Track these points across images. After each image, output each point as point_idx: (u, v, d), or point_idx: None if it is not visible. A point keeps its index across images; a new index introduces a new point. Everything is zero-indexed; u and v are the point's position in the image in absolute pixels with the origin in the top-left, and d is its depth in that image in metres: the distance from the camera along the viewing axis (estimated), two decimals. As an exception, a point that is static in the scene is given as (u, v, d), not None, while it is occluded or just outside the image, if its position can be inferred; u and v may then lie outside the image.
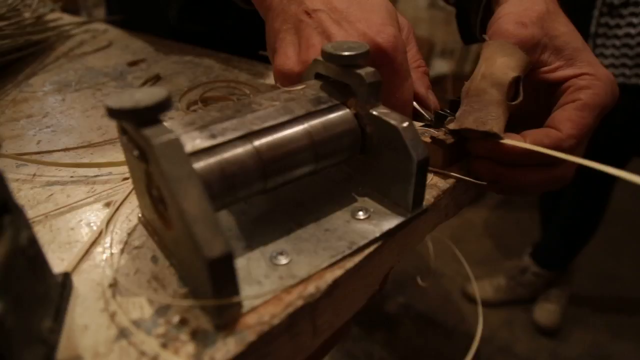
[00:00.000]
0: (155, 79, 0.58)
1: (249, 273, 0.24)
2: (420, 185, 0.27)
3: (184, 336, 0.22)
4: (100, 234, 0.29)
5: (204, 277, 0.20)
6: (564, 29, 0.34)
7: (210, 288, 0.21)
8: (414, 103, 0.37)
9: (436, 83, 2.12)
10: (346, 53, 0.27)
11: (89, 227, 0.30)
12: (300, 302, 0.23)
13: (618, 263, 1.79)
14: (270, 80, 0.56)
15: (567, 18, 0.35)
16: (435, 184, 0.32)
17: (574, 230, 1.38)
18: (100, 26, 0.91)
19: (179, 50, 0.72)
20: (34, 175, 0.38)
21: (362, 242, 0.26)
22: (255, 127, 0.25)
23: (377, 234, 0.26)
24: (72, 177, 0.37)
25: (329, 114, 0.27)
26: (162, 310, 0.23)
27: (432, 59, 2.96)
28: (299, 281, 0.24)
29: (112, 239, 0.29)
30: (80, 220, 0.31)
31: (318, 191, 0.31)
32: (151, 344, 0.21)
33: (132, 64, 0.66)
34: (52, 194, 0.35)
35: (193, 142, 0.24)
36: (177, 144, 0.21)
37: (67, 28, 0.86)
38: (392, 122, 0.27)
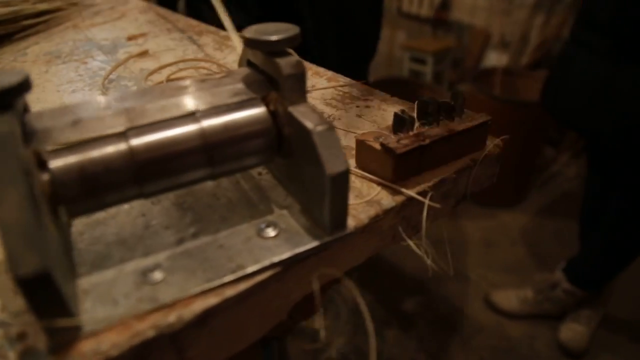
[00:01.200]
0: (142, 55, 0.55)
1: (111, 289, 0.21)
2: (339, 204, 0.23)
3: (12, 354, 0.19)
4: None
5: (23, 296, 0.17)
6: None
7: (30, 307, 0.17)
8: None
9: (484, 76, 1.99)
10: (267, 38, 0.23)
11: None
12: (151, 333, 0.19)
13: (664, 288, 1.62)
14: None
15: None
16: (379, 201, 0.27)
17: (615, 250, 1.25)
18: (123, -4, 0.90)
19: (184, 25, 0.69)
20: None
21: (250, 268, 0.22)
22: (139, 122, 0.22)
23: (274, 260, 0.22)
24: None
25: (237, 111, 0.23)
26: (6, 320, 0.20)
27: (486, 50, 2.80)
28: (157, 307, 0.20)
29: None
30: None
31: (236, 196, 0.27)
32: (-28, 363, 0.19)
33: (132, 38, 0.64)
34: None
35: (59, 136, 0.21)
36: (5, 139, 0.18)
37: (88, -3, 0.85)
38: (306, 124, 0.22)
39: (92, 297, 0.21)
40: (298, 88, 0.23)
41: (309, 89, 0.44)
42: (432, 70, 2.86)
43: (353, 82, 0.45)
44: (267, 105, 0.24)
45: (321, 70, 0.48)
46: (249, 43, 0.23)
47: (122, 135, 0.21)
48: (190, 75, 0.47)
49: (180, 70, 0.48)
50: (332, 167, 0.21)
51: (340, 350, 1.50)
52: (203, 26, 0.69)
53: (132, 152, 0.21)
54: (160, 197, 0.27)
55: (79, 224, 0.25)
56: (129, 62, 0.53)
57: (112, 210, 0.26)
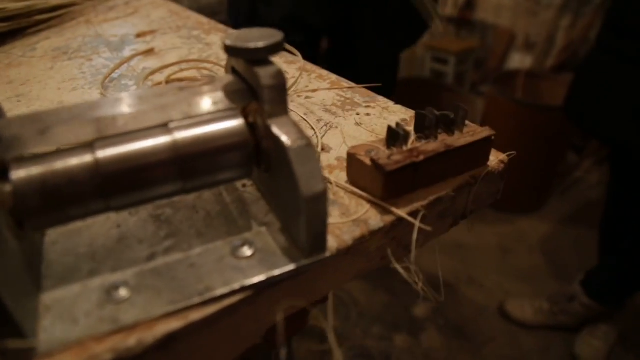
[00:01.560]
0: (147, 53, 0.55)
1: (74, 306, 0.20)
2: (317, 226, 0.21)
3: (-37, 377, 0.18)
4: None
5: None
6: None
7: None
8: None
9: (507, 78, 1.94)
10: (246, 45, 0.22)
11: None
12: (108, 357, 0.18)
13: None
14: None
15: None
16: (366, 220, 0.26)
17: (638, 265, 1.20)
18: (139, -8, 0.90)
19: (194, 23, 0.69)
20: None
21: (220, 291, 0.20)
22: (109, 133, 0.21)
23: (246, 283, 0.21)
24: None
25: (213, 122, 0.22)
26: (-37, 337, 0.20)
27: (510, 52, 2.73)
28: (118, 329, 0.19)
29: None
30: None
31: (216, 209, 0.26)
32: None
33: (141, 35, 0.64)
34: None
35: (25, 145, 0.20)
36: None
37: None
38: (283, 138, 0.21)
39: (53, 314, 0.20)
40: (278, 99, 0.22)
41: (310, 93, 0.43)
42: (454, 70, 2.81)
43: (355, 86, 0.43)
44: (246, 116, 0.23)
45: (324, 73, 0.46)
46: (229, 50, 0.22)
47: (89, 147, 0.20)
48: (191, 76, 0.46)
49: (182, 70, 0.47)
50: (307, 187, 0.20)
51: (348, 352, 1.49)
52: (212, 24, 0.68)
53: (98, 165, 0.20)
54: (139, 208, 0.26)
55: (53, 233, 0.24)
56: (134, 60, 0.53)
57: (89, 220, 0.25)
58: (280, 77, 0.21)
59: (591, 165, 2.09)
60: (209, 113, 0.22)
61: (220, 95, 0.23)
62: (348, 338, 1.51)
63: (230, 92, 0.23)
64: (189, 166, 0.21)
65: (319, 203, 0.20)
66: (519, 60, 2.60)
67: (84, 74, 0.49)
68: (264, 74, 0.21)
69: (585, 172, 2.11)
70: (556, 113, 1.59)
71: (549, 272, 1.73)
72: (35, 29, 0.68)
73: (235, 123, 0.22)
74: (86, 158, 0.20)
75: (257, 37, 0.22)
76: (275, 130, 0.21)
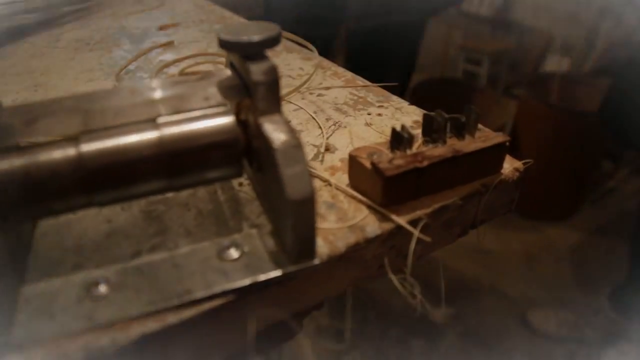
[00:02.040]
0: (166, 46, 0.55)
1: (53, 300, 0.20)
2: (305, 232, 0.20)
3: (-63, 367, 0.18)
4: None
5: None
6: None
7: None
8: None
9: (541, 82, 1.86)
10: (239, 39, 0.21)
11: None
12: (79, 355, 0.18)
13: None
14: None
15: None
16: (363, 227, 0.24)
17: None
18: (165, -15, 0.91)
19: (217, 17, 0.69)
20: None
21: (199, 294, 0.20)
22: (95, 126, 0.20)
23: (226, 287, 0.20)
24: None
25: (201, 119, 0.21)
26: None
27: (547, 54, 2.64)
28: (91, 327, 0.18)
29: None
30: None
31: (208, 208, 0.25)
32: None
33: (163, 27, 0.64)
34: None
35: (10, 136, 0.20)
36: None
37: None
38: (271, 138, 0.20)
39: (31, 307, 0.20)
40: (270, 97, 0.21)
41: (323, 90, 0.42)
42: (487, 72, 2.73)
43: (370, 84, 0.42)
44: (238, 113, 0.22)
45: (340, 70, 0.45)
46: (222, 44, 0.21)
47: (74, 140, 0.20)
48: (206, 70, 0.46)
49: (198, 64, 0.47)
50: (293, 190, 0.19)
51: (364, 354, 1.47)
52: (235, 18, 0.67)
53: (82, 158, 0.19)
54: (132, 203, 0.25)
55: (44, 225, 0.24)
56: (153, 53, 0.53)
57: (80, 214, 0.25)
58: (273, 73, 0.20)
59: (627, 174, 1.99)
60: (200, 109, 0.21)
61: (214, 90, 0.22)
62: (365, 339, 1.50)
63: (225, 88, 0.23)
64: (175, 163, 0.20)
65: (306, 208, 0.19)
66: (555, 63, 2.50)
67: (102, 66, 0.50)
68: (256, 69, 0.20)
69: (620, 181, 2.02)
70: (592, 119, 1.52)
71: (576, 284, 1.66)
72: (63, 21, 0.69)
73: (225, 120, 0.21)
74: (70, 151, 0.19)
75: (252, 31, 0.21)
76: (265, 129, 0.20)
